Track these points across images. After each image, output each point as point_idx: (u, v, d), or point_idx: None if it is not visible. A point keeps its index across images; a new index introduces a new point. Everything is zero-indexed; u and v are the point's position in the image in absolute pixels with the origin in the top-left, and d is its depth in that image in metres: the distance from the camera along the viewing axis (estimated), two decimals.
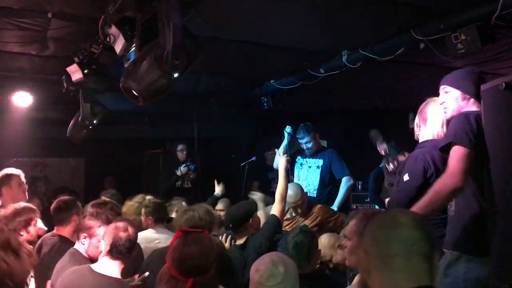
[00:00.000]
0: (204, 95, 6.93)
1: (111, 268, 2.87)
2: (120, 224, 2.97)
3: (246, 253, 3.50)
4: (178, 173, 6.73)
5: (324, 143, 8.50)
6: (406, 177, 3.06)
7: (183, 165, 6.83)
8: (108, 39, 3.60)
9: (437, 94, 3.14)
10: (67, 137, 6.72)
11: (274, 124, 7.73)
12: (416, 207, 2.57)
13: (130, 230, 2.97)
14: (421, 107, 3.48)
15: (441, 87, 2.98)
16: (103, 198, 4.84)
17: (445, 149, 2.66)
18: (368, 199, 6.94)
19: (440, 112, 3.11)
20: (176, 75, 2.92)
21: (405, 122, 5.83)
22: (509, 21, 3.72)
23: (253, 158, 6.74)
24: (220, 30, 4.39)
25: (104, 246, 2.90)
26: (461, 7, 3.77)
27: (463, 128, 2.57)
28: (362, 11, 4.00)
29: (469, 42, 3.75)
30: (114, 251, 2.86)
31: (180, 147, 6.91)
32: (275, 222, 3.64)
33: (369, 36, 4.60)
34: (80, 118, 5.21)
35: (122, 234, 2.88)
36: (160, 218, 4.31)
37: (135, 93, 3.04)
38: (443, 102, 2.96)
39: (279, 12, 3.99)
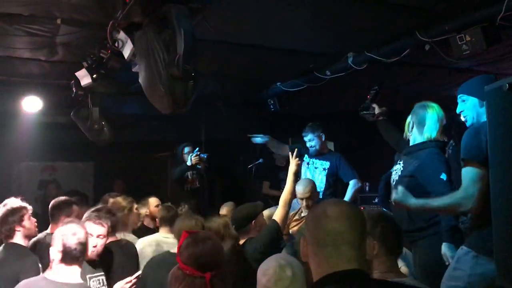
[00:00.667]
0: (212, 98, 6.99)
1: (69, 274, 2.74)
2: (67, 228, 2.81)
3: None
4: (188, 163, 6.44)
5: (331, 145, 8.54)
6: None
7: (193, 153, 6.46)
8: (116, 44, 3.66)
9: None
10: (76, 141, 6.80)
11: (281, 126, 7.77)
12: (429, 207, 2.62)
13: (79, 231, 2.83)
14: (417, 109, 3.52)
15: (458, 96, 3.01)
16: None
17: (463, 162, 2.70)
18: (377, 200, 6.94)
19: (440, 121, 3.15)
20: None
21: None
22: None
23: (261, 160, 6.77)
24: (227, 34, 4.45)
25: (55, 253, 2.75)
26: (466, 9, 3.79)
27: (472, 143, 2.62)
28: (367, 13, 4.03)
29: (474, 43, 3.77)
30: (68, 258, 2.74)
31: (187, 149, 6.76)
32: (274, 228, 3.53)
33: (374, 38, 4.63)
34: (89, 123, 5.27)
35: (71, 239, 2.75)
36: None
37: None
38: (461, 111, 2.99)
39: (285, 16, 4.03)
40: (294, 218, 4.87)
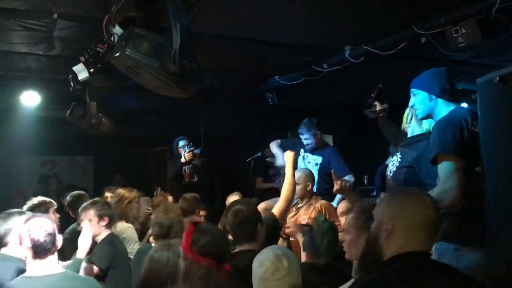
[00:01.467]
0: (210, 92, 7.00)
1: (47, 266, 2.67)
2: (32, 224, 2.70)
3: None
4: (182, 160, 6.36)
5: (330, 138, 8.56)
6: None
7: (187, 149, 6.35)
8: (112, 39, 3.66)
9: None
10: (75, 136, 6.82)
11: (280, 119, 7.78)
12: None
13: (45, 223, 2.72)
14: None
15: (411, 90, 3.03)
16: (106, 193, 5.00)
17: (435, 160, 2.69)
18: (375, 193, 6.97)
19: None
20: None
21: None
22: (510, 14, 3.74)
23: (259, 154, 6.78)
24: (224, 28, 4.46)
25: (25, 251, 2.66)
26: (461, 1, 3.80)
27: (446, 136, 2.62)
28: (364, 6, 4.04)
29: (470, 36, 3.78)
30: (40, 251, 2.65)
31: (182, 143, 6.69)
32: (271, 221, 3.36)
33: (371, 31, 4.63)
34: (87, 117, 5.29)
35: (38, 233, 2.65)
36: None
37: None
38: (413, 105, 3.01)
39: (281, 10, 4.04)
40: (292, 211, 4.84)
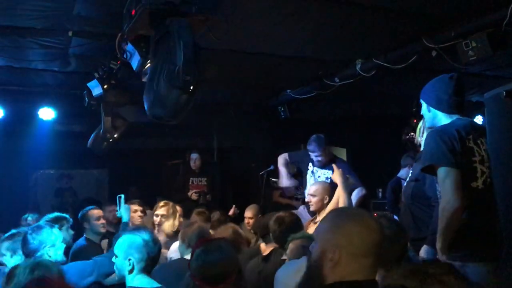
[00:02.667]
0: (223, 105, 7.06)
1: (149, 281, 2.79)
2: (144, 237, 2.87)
3: (268, 267, 3.33)
4: (189, 193, 6.63)
5: (343, 151, 8.54)
6: None
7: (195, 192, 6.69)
8: (125, 56, 3.74)
9: None
10: (90, 149, 6.90)
11: (292, 132, 7.79)
12: (438, 237, 2.61)
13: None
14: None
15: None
16: None
17: (427, 170, 2.70)
18: (387, 208, 6.93)
19: None
20: (192, 88, 3.01)
21: None
22: None
23: (271, 167, 6.78)
24: (236, 43, 4.51)
25: (138, 262, 2.76)
26: (471, 15, 3.80)
27: (438, 147, 2.60)
28: (374, 20, 4.06)
29: (480, 49, 3.78)
30: (150, 266, 2.80)
31: (193, 156, 6.83)
32: None
33: (382, 45, 4.65)
34: (101, 132, 5.37)
35: (155, 247, 2.84)
36: None
37: (165, 118, 3.17)
38: (422, 114, 3.01)
39: (292, 24, 4.07)
40: (310, 225, 4.81)
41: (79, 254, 4.03)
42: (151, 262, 2.80)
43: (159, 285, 2.76)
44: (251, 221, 5.25)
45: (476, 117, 7.35)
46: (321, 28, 4.22)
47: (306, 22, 4.07)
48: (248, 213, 5.40)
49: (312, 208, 4.62)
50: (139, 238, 2.80)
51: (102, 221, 4.51)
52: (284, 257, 3.22)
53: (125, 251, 2.76)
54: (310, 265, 1.79)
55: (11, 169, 7.55)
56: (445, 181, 2.55)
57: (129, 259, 2.73)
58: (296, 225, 3.49)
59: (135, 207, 4.84)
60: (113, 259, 2.83)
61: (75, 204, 8.24)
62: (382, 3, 3.71)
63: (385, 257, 1.82)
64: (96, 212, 4.55)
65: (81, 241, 4.41)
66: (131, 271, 2.73)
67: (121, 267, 2.77)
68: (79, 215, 4.57)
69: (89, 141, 5.91)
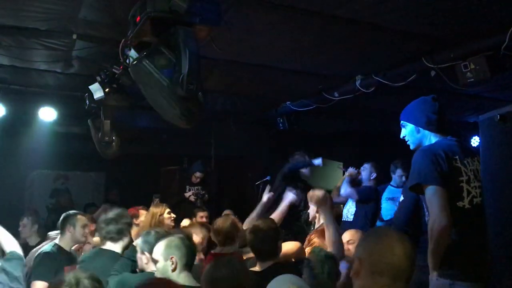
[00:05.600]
0: (222, 114, 7.10)
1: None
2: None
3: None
4: (187, 194, 6.70)
5: (340, 165, 8.57)
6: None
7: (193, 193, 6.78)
8: (128, 61, 3.78)
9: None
10: (89, 151, 6.91)
11: (290, 144, 7.82)
12: (429, 256, 2.62)
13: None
14: None
15: (400, 122, 3.02)
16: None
17: (414, 188, 2.71)
18: None
19: None
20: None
21: None
22: None
23: (268, 178, 6.81)
24: (237, 54, 4.56)
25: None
26: (471, 37, 3.85)
27: (426, 166, 2.62)
28: (375, 38, 4.11)
29: (478, 71, 3.83)
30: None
31: (198, 174, 6.94)
32: None
33: (382, 63, 4.71)
34: (100, 135, 5.39)
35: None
36: None
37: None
38: (404, 137, 2.99)
39: (293, 38, 4.13)
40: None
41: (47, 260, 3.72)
42: (191, 257, 2.90)
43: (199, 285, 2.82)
44: None
45: (473, 137, 7.40)
46: (323, 43, 4.27)
47: (308, 37, 4.13)
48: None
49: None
50: (174, 237, 2.91)
51: (88, 229, 4.08)
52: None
53: (165, 252, 2.84)
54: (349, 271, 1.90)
55: (9, 168, 7.56)
56: (432, 200, 2.57)
57: (171, 258, 2.82)
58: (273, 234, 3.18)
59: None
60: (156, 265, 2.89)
61: (69, 206, 8.22)
62: (384, 22, 3.76)
63: None
64: (84, 218, 4.07)
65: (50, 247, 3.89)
66: (174, 269, 2.81)
67: (164, 269, 2.84)
68: (63, 217, 3.98)
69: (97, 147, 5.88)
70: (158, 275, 2.87)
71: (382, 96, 5.43)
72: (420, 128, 2.87)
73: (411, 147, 2.97)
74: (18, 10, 3.65)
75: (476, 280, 2.54)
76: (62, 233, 3.92)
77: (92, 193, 8.87)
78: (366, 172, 5.86)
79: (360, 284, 1.79)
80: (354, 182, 5.95)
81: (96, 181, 9.16)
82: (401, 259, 1.76)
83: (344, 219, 5.76)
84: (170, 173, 7.81)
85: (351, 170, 5.99)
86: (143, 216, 4.85)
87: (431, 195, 2.57)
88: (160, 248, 2.89)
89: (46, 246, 3.93)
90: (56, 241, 3.94)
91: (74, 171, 8.88)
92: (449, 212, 2.52)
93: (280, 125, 6.80)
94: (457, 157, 2.66)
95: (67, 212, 4.05)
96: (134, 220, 4.70)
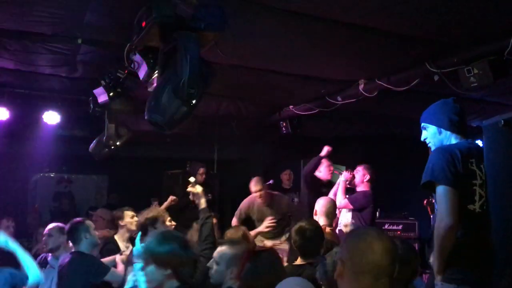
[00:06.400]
0: (225, 118, 7.12)
1: None
2: None
3: None
4: (191, 197, 6.67)
5: (343, 168, 8.57)
6: None
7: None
8: (132, 66, 3.81)
9: None
10: (91, 155, 6.94)
11: (293, 148, 7.84)
12: (435, 257, 2.63)
13: None
14: None
15: (421, 124, 3.02)
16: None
17: (426, 186, 2.72)
18: (387, 226, 7.04)
19: None
20: (194, 101, 3.08)
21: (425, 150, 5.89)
22: None
23: (270, 181, 6.83)
24: (240, 59, 4.58)
25: None
26: (474, 42, 3.86)
27: (440, 165, 2.63)
28: (378, 43, 4.12)
29: (482, 76, 3.83)
30: None
31: (201, 170, 6.92)
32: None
33: (385, 67, 4.71)
34: (104, 138, 5.42)
35: None
36: None
37: (161, 125, 3.22)
38: (425, 139, 2.99)
39: (297, 43, 4.14)
40: None
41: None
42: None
43: None
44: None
45: (476, 141, 7.41)
46: (326, 47, 4.28)
47: (311, 41, 4.14)
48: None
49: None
50: (240, 249, 2.93)
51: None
52: None
53: (229, 261, 2.86)
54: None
55: (13, 171, 7.59)
56: (442, 200, 2.58)
57: (232, 270, 2.82)
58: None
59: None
60: (215, 266, 2.91)
61: (72, 209, 8.24)
62: (388, 27, 3.78)
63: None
64: (91, 222, 4.20)
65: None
66: (231, 279, 2.82)
67: (221, 274, 2.86)
68: (75, 225, 4.02)
69: (90, 146, 5.95)
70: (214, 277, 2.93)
71: (385, 101, 5.44)
72: (442, 129, 2.87)
73: (433, 149, 2.95)
74: (23, 15, 3.67)
75: (481, 285, 2.54)
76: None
77: (95, 196, 8.89)
78: (359, 175, 5.85)
79: (344, 286, 1.78)
80: (350, 185, 5.97)
81: (98, 184, 9.19)
82: (381, 256, 1.74)
83: (340, 228, 5.75)
84: (173, 176, 7.81)
85: (345, 174, 5.97)
86: (128, 217, 4.77)
87: (441, 194, 2.58)
88: (225, 254, 2.92)
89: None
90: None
91: (76, 174, 8.90)
92: (457, 213, 2.52)
93: (283, 129, 6.80)
94: (473, 159, 2.66)
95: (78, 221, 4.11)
96: (120, 222, 4.76)
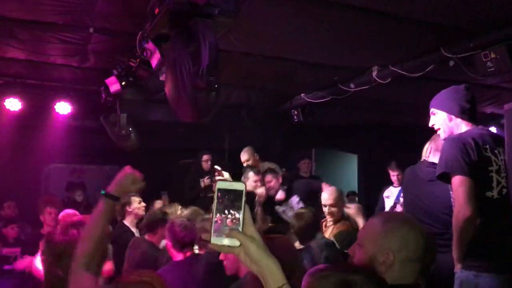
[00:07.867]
0: (236, 107, 7.09)
1: None
2: None
3: None
4: (202, 184, 6.63)
5: (354, 158, 8.54)
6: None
7: (206, 177, 6.63)
8: (145, 54, 3.78)
9: None
10: (103, 145, 6.96)
11: (304, 136, 7.80)
12: (453, 246, 2.61)
13: None
14: (436, 137, 3.44)
15: (430, 109, 2.98)
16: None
17: (441, 177, 2.69)
18: None
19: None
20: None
21: None
22: None
23: (283, 170, 6.79)
24: (252, 46, 4.54)
25: None
26: (491, 26, 3.79)
27: (454, 156, 2.60)
28: (393, 29, 4.06)
29: (499, 61, 3.77)
30: None
31: (205, 157, 6.90)
32: None
33: (399, 53, 4.65)
34: (117, 129, 5.41)
35: None
36: None
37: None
38: (433, 125, 2.96)
39: (309, 30, 4.10)
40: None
41: None
42: None
43: None
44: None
45: (490, 128, 7.32)
46: (339, 34, 4.23)
47: (324, 28, 4.09)
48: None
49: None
50: None
51: None
52: None
53: None
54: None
55: (25, 162, 7.63)
56: (458, 190, 2.55)
57: None
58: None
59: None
60: None
61: (84, 199, 8.27)
62: (402, 12, 3.72)
63: None
64: None
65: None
66: None
67: None
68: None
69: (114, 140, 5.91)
70: None
71: (399, 87, 5.38)
72: (453, 116, 2.84)
73: (442, 136, 2.93)
74: (35, 4, 3.66)
75: (502, 272, 2.51)
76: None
77: (107, 186, 8.90)
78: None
79: (394, 276, 1.71)
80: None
81: (110, 174, 9.20)
82: (429, 241, 1.76)
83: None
84: (185, 166, 7.81)
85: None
86: (135, 203, 4.87)
87: (458, 185, 2.55)
88: None
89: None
90: None
91: (88, 164, 8.93)
92: (476, 202, 2.49)
93: (295, 117, 6.76)
94: (487, 146, 2.63)
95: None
96: (127, 208, 4.83)
